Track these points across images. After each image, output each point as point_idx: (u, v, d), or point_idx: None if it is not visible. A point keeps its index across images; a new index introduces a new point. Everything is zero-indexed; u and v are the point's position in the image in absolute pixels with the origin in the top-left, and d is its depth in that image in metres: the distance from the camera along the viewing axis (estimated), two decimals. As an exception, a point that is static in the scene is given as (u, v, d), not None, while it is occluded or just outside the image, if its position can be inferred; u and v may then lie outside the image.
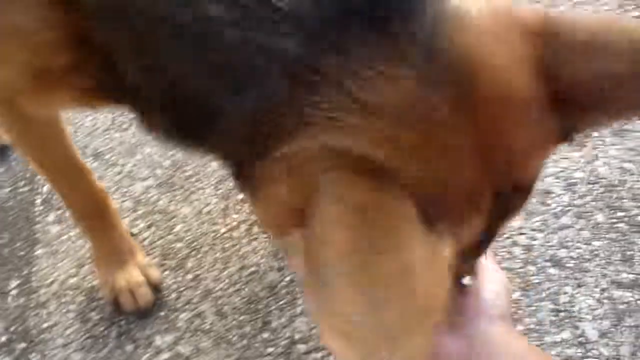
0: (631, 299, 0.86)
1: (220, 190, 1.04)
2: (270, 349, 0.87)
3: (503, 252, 0.91)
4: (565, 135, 0.40)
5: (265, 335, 0.88)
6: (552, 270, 0.89)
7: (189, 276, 0.95)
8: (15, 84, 0.57)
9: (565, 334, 0.83)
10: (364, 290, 0.33)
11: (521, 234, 0.93)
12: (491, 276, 0.52)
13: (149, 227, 1.00)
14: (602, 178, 0.98)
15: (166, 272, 0.95)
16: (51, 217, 1.04)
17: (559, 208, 0.96)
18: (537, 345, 0.82)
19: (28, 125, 0.71)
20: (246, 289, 0.93)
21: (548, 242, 0.92)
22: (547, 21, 0.38)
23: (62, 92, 0.56)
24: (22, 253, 1.01)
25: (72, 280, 0.96)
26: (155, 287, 0.93)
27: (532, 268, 0.90)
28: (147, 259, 0.94)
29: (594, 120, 0.40)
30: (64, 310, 0.93)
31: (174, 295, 0.93)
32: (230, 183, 1.04)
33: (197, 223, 1.00)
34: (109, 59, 0.45)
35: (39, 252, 1.00)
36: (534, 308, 0.86)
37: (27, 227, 1.04)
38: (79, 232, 1.01)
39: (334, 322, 0.35)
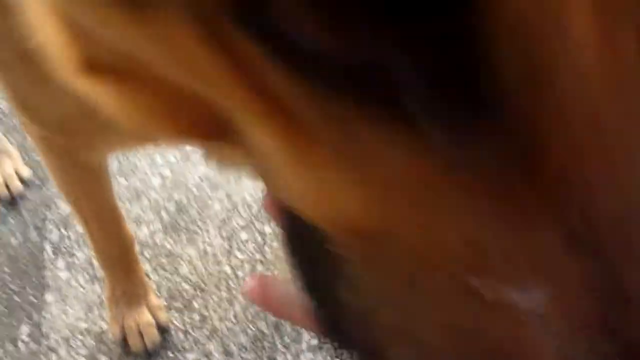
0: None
1: (224, 232, 1.06)
2: (276, 386, 0.88)
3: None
4: None
5: (272, 372, 0.90)
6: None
7: (196, 316, 0.97)
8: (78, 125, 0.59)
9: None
10: None
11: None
12: None
13: (155, 269, 1.03)
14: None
15: (173, 313, 0.98)
16: (60, 263, 1.07)
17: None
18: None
19: (77, 172, 0.75)
20: (252, 327, 0.95)
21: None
22: None
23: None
24: (32, 299, 1.03)
25: (82, 325, 0.98)
26: (163, 329, 0.95)
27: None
28: (158, 300, 0.96)
29: None
30: (75, 355, 0.95)
31: (181, 336, 0.95)
32: (234, 223, 1.07)
33: (202, 264, 1.03)
34: None
35: (49, 298, 1.03)
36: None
37: (37, 274, 1.06)
38: (87, 277, 1.04)
39: None
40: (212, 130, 0.23)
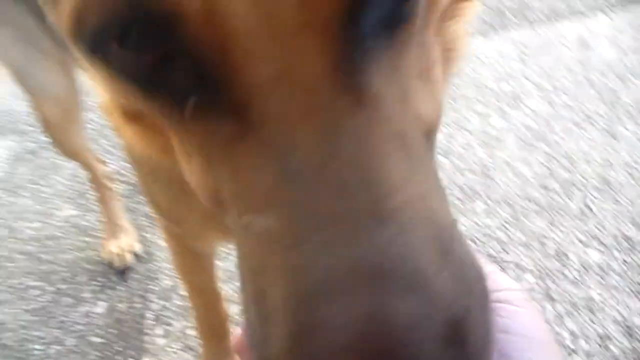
0: None
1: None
2: None
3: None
4: None
5: None
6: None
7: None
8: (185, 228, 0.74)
9: None
10: None
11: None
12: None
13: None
14: (660, 326, 1.04)
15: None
16: (159, 331, 1.20)
17: (619, 352, 1.02)
18: None
19: (189, 255, 0.90)
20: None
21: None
22: None
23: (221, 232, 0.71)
24: (132, 360, 1.16)
25: (172, 388, 1.09)
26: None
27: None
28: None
29: None
30: (164, 414, 1.05)
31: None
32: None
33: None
34: None
35: (146, 360, 1.15)
36: None
37: (138, 338, 1.20)
38: (181, 346, 1.16)
39: None
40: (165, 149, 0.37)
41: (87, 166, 1.35)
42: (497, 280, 0.32)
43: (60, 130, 1.20)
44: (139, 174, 0.70)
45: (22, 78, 1.09)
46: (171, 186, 0.63)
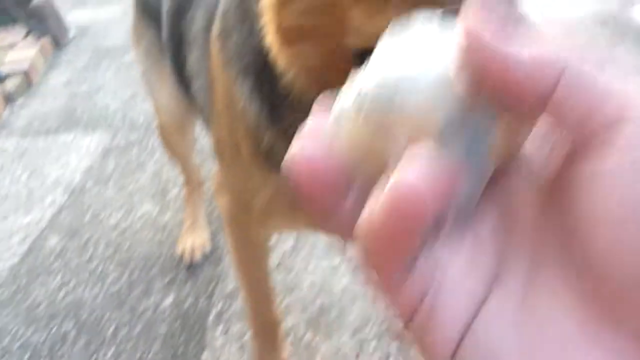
0: None
1: (356, 338, 1.24)
2: None
3: None
4: None
5: None
6: None
7: (320, 403, 1.12)
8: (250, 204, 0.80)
9: None
10: None
11: None
12: None
13: (292, 355, 1.22)
14: None
15: (301, 396, 1.14)
16: (219, 329, 1.30)
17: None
18: None
19: (244, 242, 0.97)
20: None
21: None
22: None
23: (284, 213, 0.78)
24: (192, 353, 1.25)
25: (226, 385, 1.18)
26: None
27: None
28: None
29: None
30: (216, 407, 1.14)
31: (304, 417, 1.10)
32: (365, 332, 1.24)
33: (335, 360, 1.20)
34: None
35: (205, 355, 1.24)
36: None
37: (200, 333, 1.30)
38: (238, 347, 1.25)
39: None
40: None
41: (185, 169, 1.50)
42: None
43: (168, 135, 1.41)
44: (225, 142, 0.79)
45: (146, 84, 1.34)
46: (253, 160, 0.72)
